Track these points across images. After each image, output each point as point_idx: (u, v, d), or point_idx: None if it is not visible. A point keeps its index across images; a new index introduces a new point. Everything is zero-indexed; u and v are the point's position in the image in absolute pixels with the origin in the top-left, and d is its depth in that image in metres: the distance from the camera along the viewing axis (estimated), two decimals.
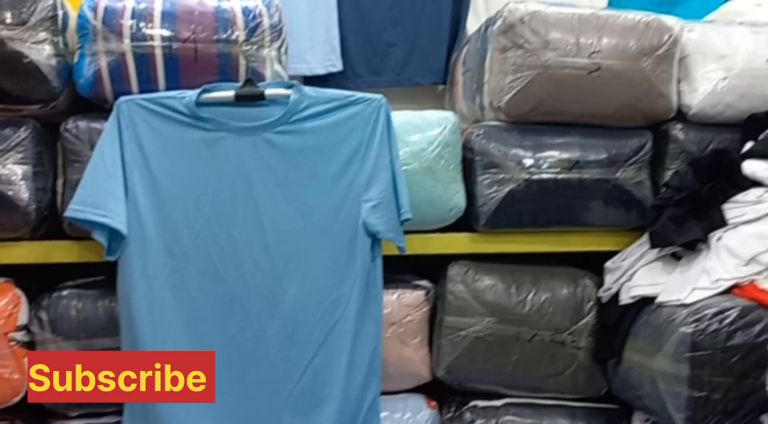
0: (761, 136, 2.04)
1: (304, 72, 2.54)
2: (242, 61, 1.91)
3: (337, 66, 2.58)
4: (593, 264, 2.13)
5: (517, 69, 2.03)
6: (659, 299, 1.89)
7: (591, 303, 2.08)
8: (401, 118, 2.01)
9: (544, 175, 2.03)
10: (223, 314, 1.80)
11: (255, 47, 1.90)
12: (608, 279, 2.07)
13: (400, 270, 2.10)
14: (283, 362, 1.84)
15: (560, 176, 2.03)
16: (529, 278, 2.09)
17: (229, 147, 1.83)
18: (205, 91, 1.83)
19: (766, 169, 1.93)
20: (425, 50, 2.62)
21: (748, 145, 2.04)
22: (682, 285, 1.86)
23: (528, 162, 2.03)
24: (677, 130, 2.10)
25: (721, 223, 1.90)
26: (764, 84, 2.07)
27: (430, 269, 2.15)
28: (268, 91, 1.86)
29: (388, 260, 1.94)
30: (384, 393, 1.96)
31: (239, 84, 1.86)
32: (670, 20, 2.10)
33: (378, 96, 1.90)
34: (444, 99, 2.65)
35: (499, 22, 2.05)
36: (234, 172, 1.83)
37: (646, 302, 1.93)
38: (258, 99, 1.85)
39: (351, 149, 1.88)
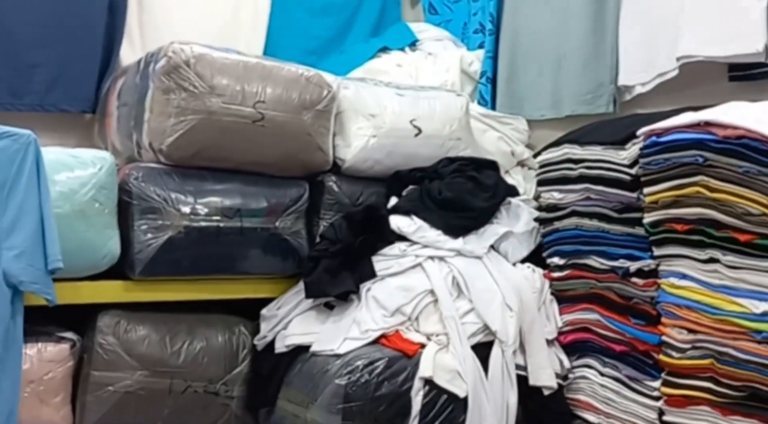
0: (404, 193, 2.23)
1: None
2: None
3: None
4: (251, 311, 2.13)
5: (180, 112, 1.96)
6: (313, 349, 1.96)
7: (246, 351, 2.08)
8: (50, 155, 1.82)
9: (205, 223, 1.99)
10: None
11: None
12: (264, 327, 2.09)
13: (41, 321, 1.90)
14: None
15: (222, 224, 2.01)
16: (185, 328, 2.03)
17: None
18: None
19: (409, 225, 2.10)
20: (74, 75, 2.42)
21: (393, 200, 2.21)
22: (335, 335, 1.95)
23: (189, 209, 1.97)
24: (332, 182, 2.20)
25: (371, 275, 2.03)
26: (408, 144, 2.26)
27: (78, 319, 1.98)
28: None
29: (28, 310, 1.74)
30: None
31: None
32: (329, 77, 2.20)
33: (26, 132, 1.70)
34: (93, 129, 2.47)
35: (162, 62, 1.97)
36: None
37: (300, 351, 1.99)
38: None
39: None
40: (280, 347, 2.02)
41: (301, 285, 2.06)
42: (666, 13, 2.21)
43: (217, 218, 2.00)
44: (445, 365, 1.89)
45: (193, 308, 2.08)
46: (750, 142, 1.54)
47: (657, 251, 1.81)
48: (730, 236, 1.63)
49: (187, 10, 2.71)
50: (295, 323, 2.04)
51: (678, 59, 2.13)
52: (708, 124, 1.63)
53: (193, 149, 2.00)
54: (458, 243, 2.08)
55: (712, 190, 1.63)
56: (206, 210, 1.99)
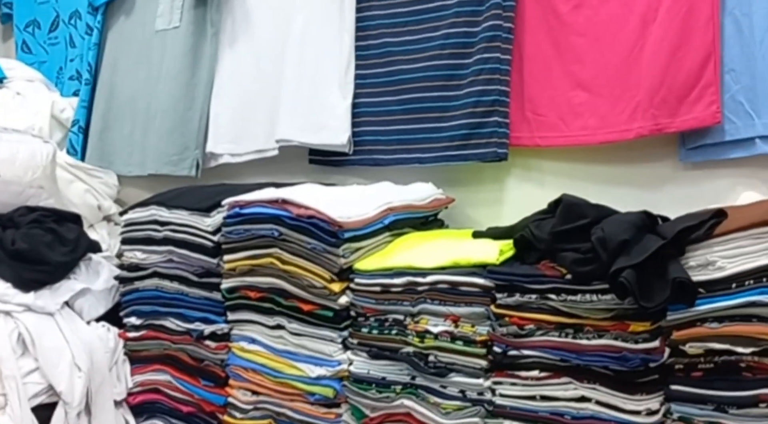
0: None
1: None
2: None
3: None
4: None
5: None
6: None
7: None
8: None
9: None
10: None
11: None
12: None
13: None
14: None
15: None
16: None
17: None
18: None
19: None
20: None
21: None
22: None
23: None
24: None
25: None
26: None
27: None
28: None
29: None
30: None
31: None
32: None
33: None
34: None
35: None
36: None
37: None
38: None
39: None
40: None
41: None
42: (261, 98, 2.39)
43: None
44: None
45: None
46: (318, 223, 1.71)
47: (231, 316, 1.91)
48: (295, 305, 1.79)
49: None
50: None
51: (277, 141, 2.31)
52: (285, 201, 1.78)
53: None
54: (29, 298, 1.96)
55: (284, 262, 1.78)
56: None
